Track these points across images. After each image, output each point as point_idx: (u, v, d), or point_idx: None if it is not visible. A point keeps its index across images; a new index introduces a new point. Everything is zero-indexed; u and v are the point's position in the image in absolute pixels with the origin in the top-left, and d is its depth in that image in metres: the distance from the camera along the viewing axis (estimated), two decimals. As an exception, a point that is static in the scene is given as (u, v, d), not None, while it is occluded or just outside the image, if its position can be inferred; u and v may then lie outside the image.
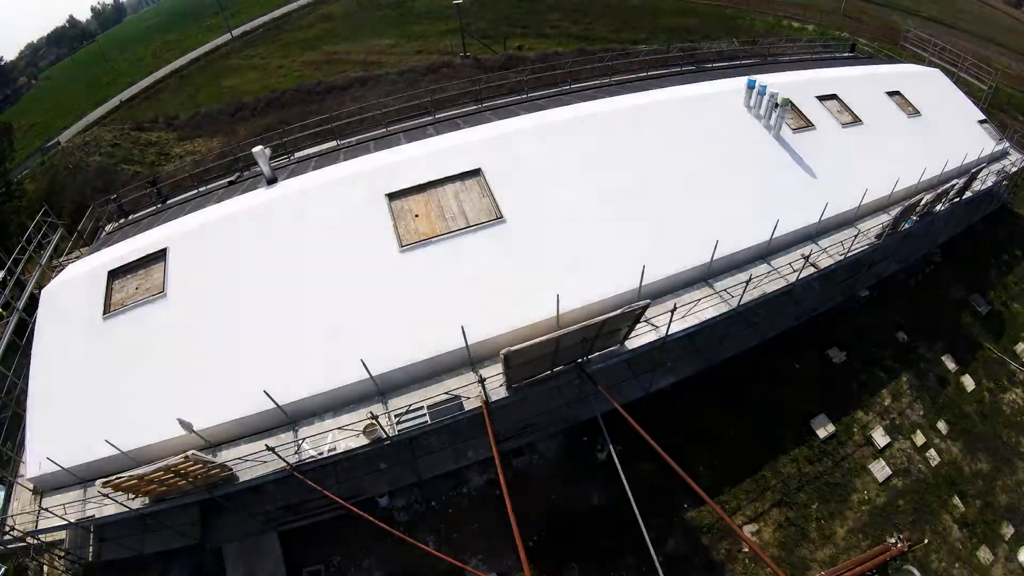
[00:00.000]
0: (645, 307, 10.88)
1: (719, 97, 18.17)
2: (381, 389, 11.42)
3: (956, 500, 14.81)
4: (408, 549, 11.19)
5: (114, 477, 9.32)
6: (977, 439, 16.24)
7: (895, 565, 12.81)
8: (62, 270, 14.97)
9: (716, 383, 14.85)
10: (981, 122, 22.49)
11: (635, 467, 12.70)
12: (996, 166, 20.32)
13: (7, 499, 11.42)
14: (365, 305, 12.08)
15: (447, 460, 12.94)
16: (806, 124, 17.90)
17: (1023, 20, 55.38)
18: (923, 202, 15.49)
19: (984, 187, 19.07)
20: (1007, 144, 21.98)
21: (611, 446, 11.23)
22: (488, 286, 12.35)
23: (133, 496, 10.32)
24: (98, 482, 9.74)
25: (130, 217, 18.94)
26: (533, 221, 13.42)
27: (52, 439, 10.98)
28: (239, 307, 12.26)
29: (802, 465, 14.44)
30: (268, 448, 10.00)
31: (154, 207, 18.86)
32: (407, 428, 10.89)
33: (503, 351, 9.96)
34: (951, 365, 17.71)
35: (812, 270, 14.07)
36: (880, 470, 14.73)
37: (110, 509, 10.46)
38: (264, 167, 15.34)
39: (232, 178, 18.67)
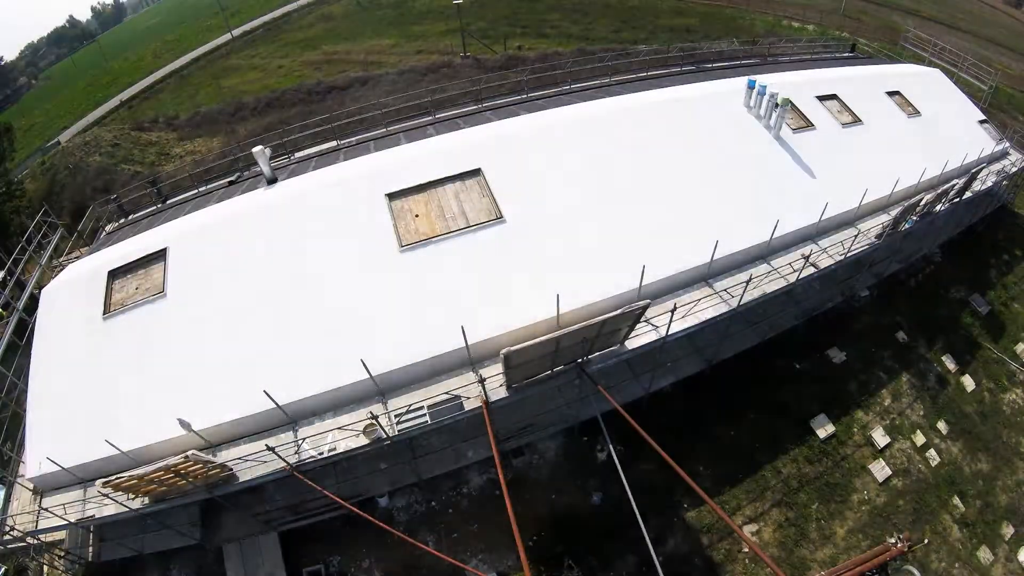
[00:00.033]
0: (645, 307, 10.89)
1: (719, 97, 18.17)
2: (381, 389, 11.42)
3: (956, 500, 14.81)
4: (408, 549, 11.24)
5: (114, 477, 9.33)
6: (977, 439, 16.24)
7: (895, 565, 12.78)
8: (62, 270, 14.98)
9: (716, 383, 14.85)
10: (981, 122, 22.48)
11: (635, 467, 12.74)
12: (996, 166, 20.33)
13: (7, 499, 11.44)
14: (365, 305, 12.09)
15: (447, 460, 12.94)
16: (806, 124, 17.90)
17: (1023, 20, 55.40)
18: (923, 202, 15.50)
19: (984, 187, 19.07)
20: (1007, 144, 21.97)
21: (611, 446, 11.23)
22: (488, 286, 12.36)
23: (133, 496, 10.33)
24: (98, 482, 9.75)
25: (130, 217, 18.96)
26: (533, 221, 13.42)
27: (52, 439, 10.99)
28: (239, 307, 12.25)
29: (802, 465, 14.44)
30: (268, 448, 10.00)
31: (154, 207, 18.86)
32: (407, 428, 10.89)
33: (503, 351, 9.97)
34: (951, 365, 17.71)
35: (812, 270, 14.07)
36: (880, 470, 14.73)
37: (110, 509, 10.46)
38: (264, 167, 15.34)
39: (232, 178, 18.66)
